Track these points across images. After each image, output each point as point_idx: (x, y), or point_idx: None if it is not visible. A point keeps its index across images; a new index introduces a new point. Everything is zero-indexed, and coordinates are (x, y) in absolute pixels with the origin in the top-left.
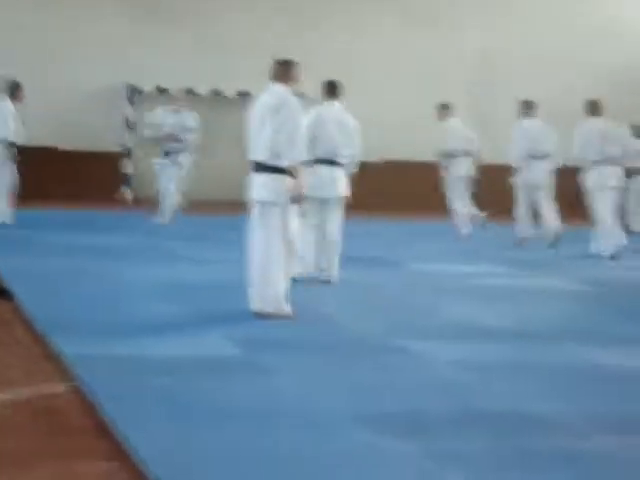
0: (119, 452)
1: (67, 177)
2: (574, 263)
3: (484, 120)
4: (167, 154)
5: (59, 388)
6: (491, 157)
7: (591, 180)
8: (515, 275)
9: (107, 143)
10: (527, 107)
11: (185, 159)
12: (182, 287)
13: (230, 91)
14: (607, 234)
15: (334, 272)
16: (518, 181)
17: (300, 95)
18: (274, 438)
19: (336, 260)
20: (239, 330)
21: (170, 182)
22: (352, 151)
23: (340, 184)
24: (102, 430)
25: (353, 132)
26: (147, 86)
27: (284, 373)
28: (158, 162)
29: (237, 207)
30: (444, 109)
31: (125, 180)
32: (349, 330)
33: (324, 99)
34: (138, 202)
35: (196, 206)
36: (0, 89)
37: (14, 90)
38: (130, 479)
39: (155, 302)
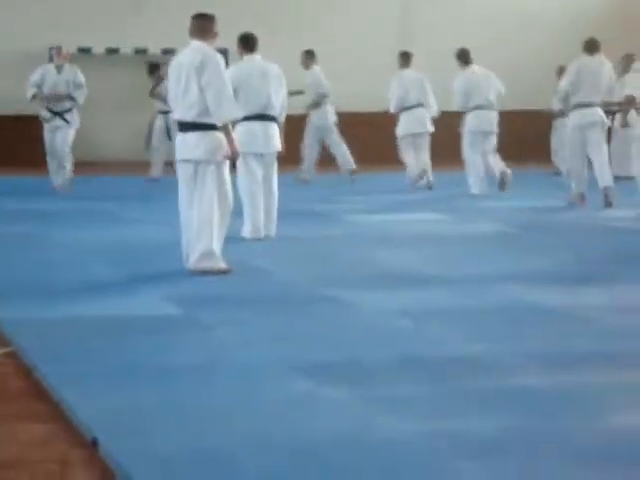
0: (58, 414)
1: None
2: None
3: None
4: (55, 114)
5: None
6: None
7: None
8: (445, 221)
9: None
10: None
11: (73, 117)
12: (116, 248)
13: (155, 50)
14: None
15: (273, 226)
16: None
17: (223, 51)
18: (213, 392)
19: (275, 215)
20: (175, 288)
21: (65, 144)
22: (281, 102)
23: (274, 138)
24: (40, 393)
25: (279, 83)
26: (70, 47)
27: (221, 328)
28: (46, 123)
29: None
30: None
31: None
32: (285, 283)
33: (243, 54)
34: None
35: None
36: None
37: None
38: (70, 440)
39: (90, 264)
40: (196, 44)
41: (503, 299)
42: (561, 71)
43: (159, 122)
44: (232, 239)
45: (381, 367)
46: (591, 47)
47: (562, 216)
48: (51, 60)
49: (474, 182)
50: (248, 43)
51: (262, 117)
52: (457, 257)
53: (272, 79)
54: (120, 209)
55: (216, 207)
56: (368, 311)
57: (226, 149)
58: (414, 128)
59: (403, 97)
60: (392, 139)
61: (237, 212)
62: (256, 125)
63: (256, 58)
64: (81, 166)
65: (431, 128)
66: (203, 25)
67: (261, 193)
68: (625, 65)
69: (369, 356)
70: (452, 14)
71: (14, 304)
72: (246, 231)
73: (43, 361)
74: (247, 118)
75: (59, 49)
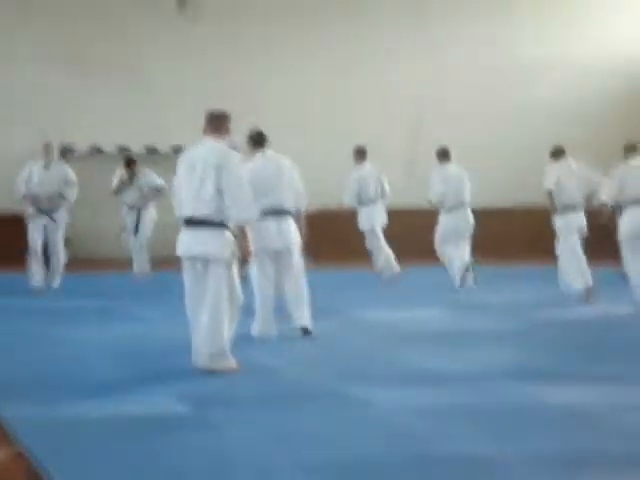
0: None
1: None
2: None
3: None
4: (42, 211)
5: (2, 454)
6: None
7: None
8: (452, 318)
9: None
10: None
11: (60, 216)
12: (119, 346)
13: (164, 146)
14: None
15: (303, 315)
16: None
17: (235, 146)
18: None
19: (303, 305)
20: (185, 387)
21: (57, 244)
22: (296, 196)
23: (289, 233)
24: None
25: (292, 177)
26: (80, 145)
27: (232, 428)
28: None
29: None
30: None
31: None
32: (295, 381)
33: (254, 150)
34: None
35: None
36: None
37: None
38: None
39: (96, 362)
40: (210, 141)
41: (515, 397)
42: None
43: (130, 218)
44: (243, 337)
45: (393, 466)
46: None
47: (565, 311)
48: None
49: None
50: (259, 140)
51: (276, 212)
52: (464, 353)
53: (285, 173)
54: (118, 306)
55: (227, 305)
56: (379, 408)
57: (239, 250)
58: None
59: (445, 193)
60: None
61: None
62: (270, 221)
63: (268, 153)
64: (74, 263)
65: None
66: (218, 122)
67: (272, 291)
68: None
69: (380, 455)
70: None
71: (21, 403)
72: (255, 329)
73: (49, 462)
74: (260, 214)
75: (47, 145)
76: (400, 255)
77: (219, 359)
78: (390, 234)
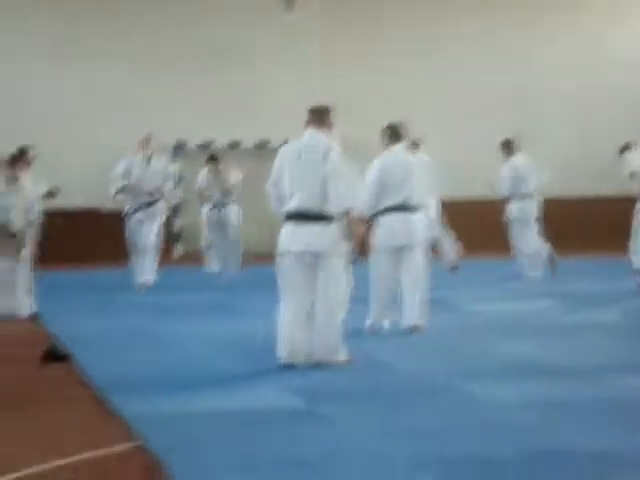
0: None
1: (112, 237)
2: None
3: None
4: (141, 206)
5: (122, 448)
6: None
7: None
8: (563, 309)
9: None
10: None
11: (156, 210)
12: (233, 340)
13: (275, 142)
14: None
15: (414, 314)
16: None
17: (341, 140)
18: None
19: (415, 303)
20: (297, 380)
21: (147, 237)
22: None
23: (416, 230)
24: None
25: (423, 173)
26: (191, 141)
27: (345, 421)
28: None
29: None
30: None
31: (176, 236)
32: (407, 375)
33: (389, 144)
34: (187, 257)
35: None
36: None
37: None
38: None
39: (211, 357)
40: (313, 133)
41: (628, 390)
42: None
43: (214, 216)
44: (356, 330)
45: (503, 462)
46: None
47: None
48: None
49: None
50: (394, 135)
51: (403, 208)
52: (575, 347)
53: (415, 169)
54: (228, 300)
55: (341, 299)
56: (492, 403)
57: (354, 241)
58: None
59: (515, 183)
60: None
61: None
62: (395, 217)
63: (400, 148)
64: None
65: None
66: (321, 116)
67: (389, 286)
68: None
69: (491, 450)
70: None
71: (139, 397)
72: (368, 323)
73: (170, 456)
74: (388, 210)
75: (146, 139)
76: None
77: (335, 353)
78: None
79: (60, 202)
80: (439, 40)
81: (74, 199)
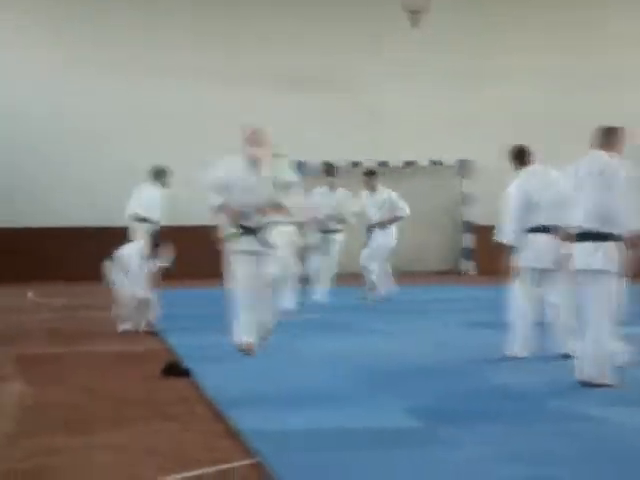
0: None
1: None
2: None
3: None
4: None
5: (240, 464)
6: None
7: None
8: None
9: None
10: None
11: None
12: (355, 358)
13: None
14: None
15: (562, 341)
16: None
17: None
18: None
19: (558, 331)
20: (419, 401)
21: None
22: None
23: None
24: None
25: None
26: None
27: (465, 444)
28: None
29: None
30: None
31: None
32: (532, 398)
33: (517, 168)
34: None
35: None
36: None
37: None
38: None
39: (329, 374)
40: (597, 153)
41: None
42: None
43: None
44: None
45: None
46: None
47: None
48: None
49: None
50: (519, 157)
51: (545, 229)
52: None
53: (553, 188)
54: (357, 319)
55: (608, 318)
56: (618, 428)
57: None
58: None
59: None
60: None
61: None
62: (538, 238)
63: (533, 168)
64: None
65: None
66: (609, 137)
67: (531, 310)
68: None
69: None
70: None
71: (258, 414)
72: (509, 348)
73: (285, 473)
74: (532, 230)
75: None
76: None
77: (604, 373)
78: None
79: None
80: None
81: None
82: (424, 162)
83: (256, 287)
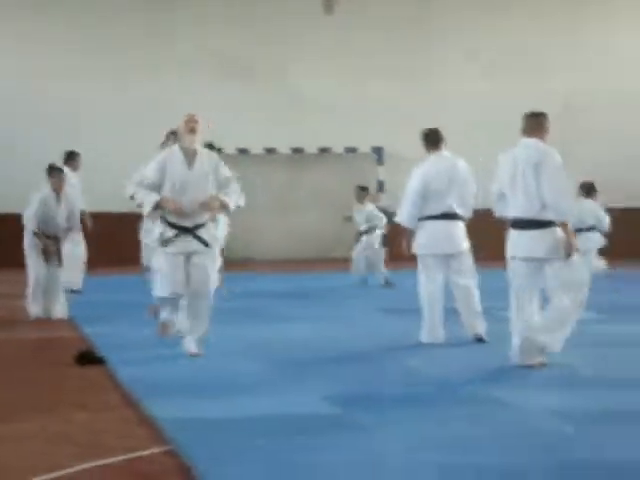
0: None
1: None
2: None
3: None
4: None
5: (155, 452)
6: None
7: None
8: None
9: None
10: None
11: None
12: (272, 346)
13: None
14: None
15: (477, 324)
16: None
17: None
18: None
19: (472, 313)
20: (335, 388)
21: None
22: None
23: (459, 237)
24: None
25: (466, 180)
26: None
27: (380, 429)
28: None
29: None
30: None
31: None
32: (442, 382)
33: (429, 151)
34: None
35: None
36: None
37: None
38: None
39: (246, 362)
40: (529, 141)
41: None
42: None
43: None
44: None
45: (534, 474)
46: None
47: None
48: None
49: None
50: (434, 140)
51: (447, 216)
52: (616, 358)
53: (460, 176)
54: (274, 306)
55: (568, 303)
56: (525, 413)
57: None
58: None
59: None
60: None
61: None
62: (439, 225)
63: (443, 154)
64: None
65: None
66: (536, 122)
67: (440, 296)
68: None
69: (523, 462)
70: None
71: (173, 402)
72: (423, 335)
73: (203, 461)
74: (430, 217)
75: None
76: None
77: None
78: None
79: None
80: None
81: None
82: (339, 149)
83: (185, 291)
